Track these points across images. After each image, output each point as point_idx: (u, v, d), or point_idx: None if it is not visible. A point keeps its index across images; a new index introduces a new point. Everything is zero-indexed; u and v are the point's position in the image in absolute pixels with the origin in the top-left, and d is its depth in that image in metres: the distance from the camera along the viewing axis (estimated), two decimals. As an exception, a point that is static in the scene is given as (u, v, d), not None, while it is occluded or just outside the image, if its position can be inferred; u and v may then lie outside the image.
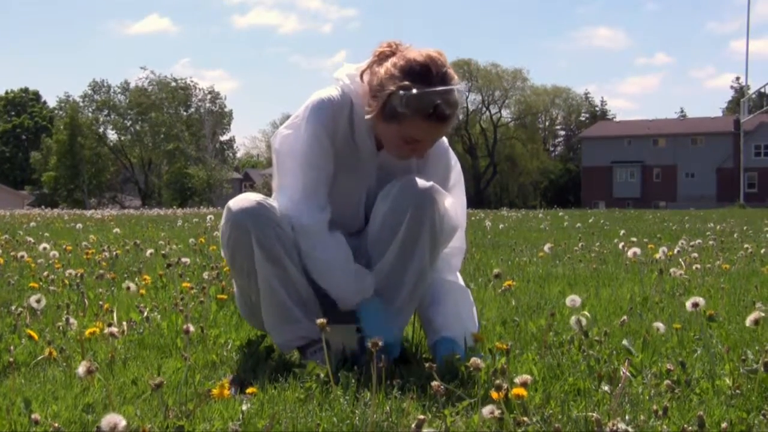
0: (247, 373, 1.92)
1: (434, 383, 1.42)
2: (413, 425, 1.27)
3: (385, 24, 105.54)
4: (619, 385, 1.65)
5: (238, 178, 62.28)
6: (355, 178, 2.05)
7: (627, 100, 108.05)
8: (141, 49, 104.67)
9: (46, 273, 3.72)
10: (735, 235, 8.14)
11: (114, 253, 4.99)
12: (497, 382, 1.41)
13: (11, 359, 1.90)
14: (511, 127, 63.58)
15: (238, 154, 66.83)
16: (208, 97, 56.53)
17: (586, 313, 2.45)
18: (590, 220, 12.92)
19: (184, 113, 56.24)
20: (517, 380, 1.41)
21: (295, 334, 1.97)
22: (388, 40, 2.02)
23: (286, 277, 1.94)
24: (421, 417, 1.28)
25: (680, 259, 4.58)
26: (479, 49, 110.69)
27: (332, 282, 1.98)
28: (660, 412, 1.45)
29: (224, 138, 58.31)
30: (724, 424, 1.42)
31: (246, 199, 1.96)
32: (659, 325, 2.22)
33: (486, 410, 1.32)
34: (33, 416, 1.36)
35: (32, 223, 11.70)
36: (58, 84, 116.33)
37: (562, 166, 64.59)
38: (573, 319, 2.15)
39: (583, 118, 69.30)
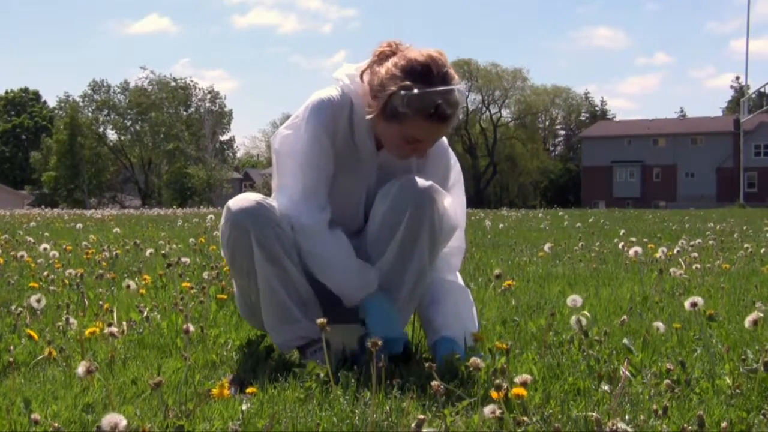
0: (246, 373, 1.92)
1: (434, 383, 1.42)
2: (413, 425, 1.27)
3: (385, 24, 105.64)
4: (619, 384, 1.65)
5: (238, 177, 62.27)
6: (354, 178, 2.05)
7: (627, 99, 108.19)
8: (141, 48, 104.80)
9: (46, 273, 3.73)
10: (735, 235, 8.14)
11: (114, 252, 4.99)
12: (497, 381, 1.41)
13: (11, 359, 1.90)
14: (511, 126, 63.56)
15: (238, 154, 66.94)
16: (208, 96, 56.57)
17: (586, 312, 2.45)
18: (590, 220, 12.92)
19: (184, 113, 56.24)
20: (516, 380, 1.41)
21: (294, 334, 1.97)
22: (388, 40, 2.02)
23: (286, 277, 1.94)
24: (421, 417, 1.28)
25: (680, 259, 4.58)
26: (479, 48, 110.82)
27: (336, 278, 1.98)
28: (660, 412, 1.45)
29: (224, 138, 58.39)
30: (723, 424, 1.42)
31: (246, 198, 1.96)
32: (659, 324, 2.22)
33: (486, 410, 1.32)
34: (33, 416, 1.36)
35: (32, 223, 11.70)
36: (58, 84, 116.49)
37: (562, 166, 64.58)
38: (573, 318, 2.15)
39: (583, 118, 69.31)
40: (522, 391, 1.39)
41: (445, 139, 2.12)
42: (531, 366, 1.92)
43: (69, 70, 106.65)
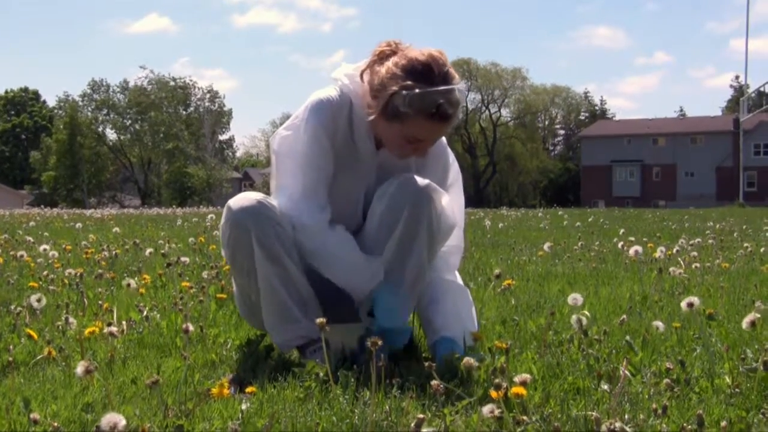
0: (246, 373, 1.92)
1: (434, 382, 1.42)
2: (413, 424, 1.27)
3: (384, 23, 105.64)
4: (619, 384, 1.65)
5: (238, 177, 62.25)
6: (354, 178, 2.05)
7: (626, 99, 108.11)
8: (140, 48, 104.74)
9: (45, 272, 3.72)
10: (734, 234, 8.14)
11: (113, 252, 4.99)
12: (497, 381, 1.41)
13: (11, 359, 1.90)
14: (510, 126, 63.55)
15: (238, 154, 66.93)
16: (208, 96, 56.54)
17: (586, 312, 2.45)
18: (590, 219, 12.92)
19: (184, 112, 56.22)
20: (516, 379, 1.41)
21: (294, 334, 1.97)
22: (388, 39, 2.02)
23: (286, 277, 1.94)
24: (421, 416, 1.28)
25: (680, 258, 4.58)
26: (479, 48, 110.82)
27: (343, 274, 1.98)
28: (659, 411, 1.45)
29: (224, 137, 58.39)
30: (723, 423, 1.42)
31: (246, 198, 1.96)
32: (659, 324, 2.22)
33: (485, 409, 1.32)
34: (32, 416, 1.36)
35: (32, 223, 11.70)
36: (57, 83, 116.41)
37: (561, 165, 64.56)
38: (574, 318, 2.15)
39: (583, 117, 69.30)
40: (521, 390, 1.39)
41: (443, 139, 2.12)
42: (530, 365, 1.92)
43: (68, 70, 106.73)
